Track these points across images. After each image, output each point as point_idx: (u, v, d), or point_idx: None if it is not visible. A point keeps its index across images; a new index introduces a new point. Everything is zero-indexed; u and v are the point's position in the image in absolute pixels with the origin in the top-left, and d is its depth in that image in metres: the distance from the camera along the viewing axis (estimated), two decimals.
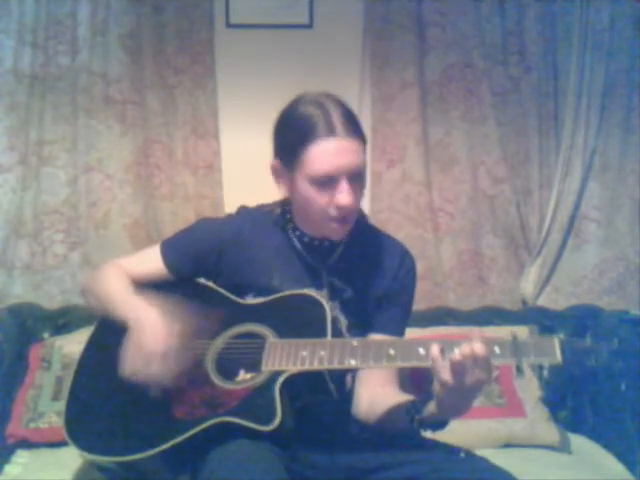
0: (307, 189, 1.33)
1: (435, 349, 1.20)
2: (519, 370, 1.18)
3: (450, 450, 1.35)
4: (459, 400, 1.24)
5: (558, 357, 1.16)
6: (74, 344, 1.90)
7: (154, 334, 1.30)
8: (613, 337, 2.08)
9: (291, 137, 1.34)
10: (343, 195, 1.32)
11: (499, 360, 1.19)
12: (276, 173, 1.41)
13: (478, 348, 1.16)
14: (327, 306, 1.34)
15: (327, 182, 1.32)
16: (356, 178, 1.34)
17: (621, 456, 1.92)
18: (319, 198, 1.33)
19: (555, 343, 1.17)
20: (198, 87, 2.33)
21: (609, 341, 1.33)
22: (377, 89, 2.37)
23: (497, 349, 1.18)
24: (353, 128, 1.33)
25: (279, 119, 1.40)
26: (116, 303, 1.42)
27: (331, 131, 1.30)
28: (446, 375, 1.19)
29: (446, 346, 1.20)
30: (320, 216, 1.36)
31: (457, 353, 1.17)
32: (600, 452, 1.98)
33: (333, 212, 1.34)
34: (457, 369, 1.17)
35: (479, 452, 1.37)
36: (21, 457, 1.86)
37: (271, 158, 1.42)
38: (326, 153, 1.30)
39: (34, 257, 2.33)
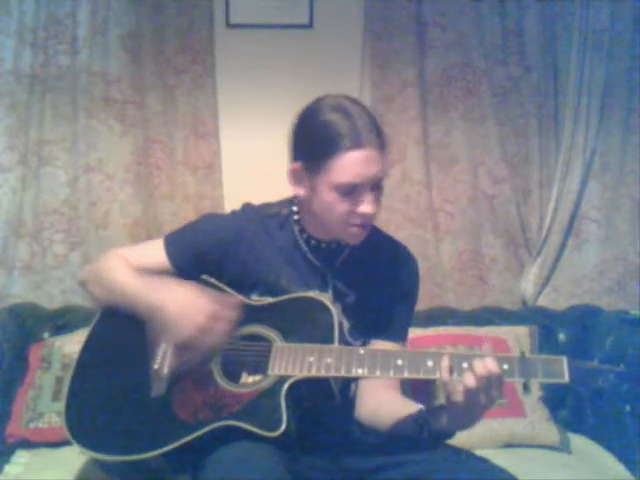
0: (329, 196, 1.33)
1: (445, 369, 1.20)
2: (526, 388, 1.19)
3: (451, 451, 1.35)
4: (469, 416, 1.25)
5: (566, 378, 1.17)
6: (74, 344, 1.91)
7: (192, 301, 1.31)
8: (613, 337, 2.10)
9: (316, 144, 1.33)
10: (367, 205, 1.33)
11: (507, 378, 1.20)
12: (296, 177, 1.39)
13: (492, 366, 1.17)
14: (334, 311, 1.34)
15: (351, 191, 1.32)
16: (378, 186, 1.35)
17: (621, 456, 1.92)
18: (341, 206, 1.33)
19: (564, 363, 1.18)
20: (198, 87, 2.32)
21: (616, 365, 1.35)
22: (377, 89, 2.36)
23: (505, 367, 1.20)
24: (378, 137, 1.33)
25: (301, 123, 1.38)
26: (131, 295, 1.39)
27: (359, 142, 1.29)
28: (459, 397, 1.20)
29: (455, 363, 1.21)
30: (340, 222, 1.36)
31: (471, 378, 1.18)
32: (600, 452, 1.98)
33: (354, 219, 1.35)
34: (471, 391, 1.18)
35: (479, 452, 1.38)
36: (21, 457, 1.86)
37: (289, 161, 1.40)
38: (353, 164, 1.30)
39: (34, 257, 2.32)
